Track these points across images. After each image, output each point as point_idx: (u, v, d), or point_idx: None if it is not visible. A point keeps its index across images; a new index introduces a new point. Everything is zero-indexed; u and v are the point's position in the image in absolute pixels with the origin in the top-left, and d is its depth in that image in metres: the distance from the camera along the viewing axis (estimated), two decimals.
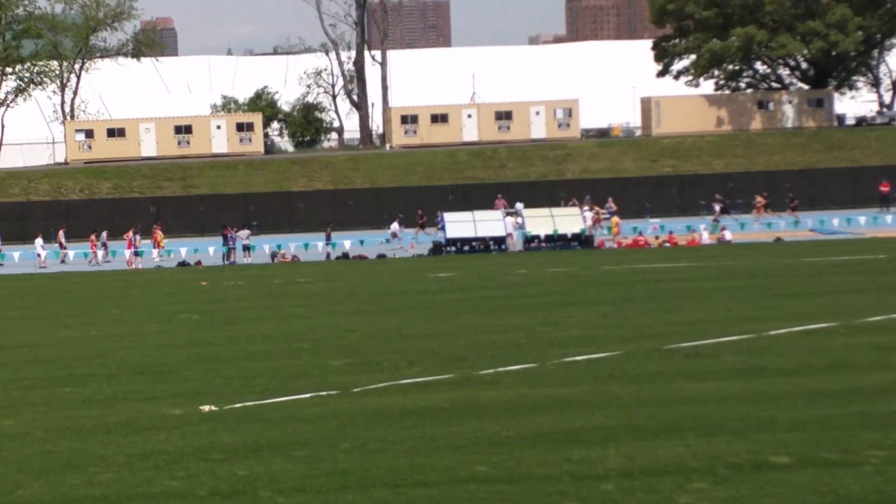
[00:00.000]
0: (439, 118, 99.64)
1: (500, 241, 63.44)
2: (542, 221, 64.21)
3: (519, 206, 73.45)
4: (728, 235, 63.77)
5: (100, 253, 66.43)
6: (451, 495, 16.23)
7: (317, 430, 20.06)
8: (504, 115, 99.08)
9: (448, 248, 63.43)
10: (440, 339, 30.37)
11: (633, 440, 18.88)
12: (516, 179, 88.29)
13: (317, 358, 27.78)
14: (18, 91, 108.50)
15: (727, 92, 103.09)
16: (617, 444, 18.59)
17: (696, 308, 35.26)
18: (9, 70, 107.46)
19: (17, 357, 29.34)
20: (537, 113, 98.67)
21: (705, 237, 63.94)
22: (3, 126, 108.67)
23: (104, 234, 68.54)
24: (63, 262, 66.33)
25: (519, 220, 66.78)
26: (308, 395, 23.09)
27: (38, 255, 65.16)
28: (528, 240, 63.68)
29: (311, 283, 49.33)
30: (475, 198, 80.00)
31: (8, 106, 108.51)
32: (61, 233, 70.12)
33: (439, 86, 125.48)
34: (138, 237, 66.53)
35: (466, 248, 63.28)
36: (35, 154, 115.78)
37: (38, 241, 66.56)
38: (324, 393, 23.29)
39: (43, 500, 16.40)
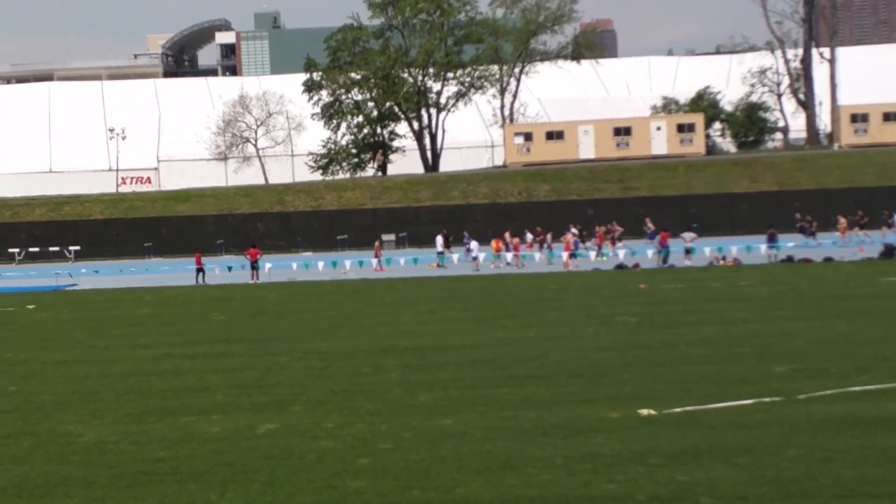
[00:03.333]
0: (892, 116, 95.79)
1: None
2: None
3: None
4: None
5: (537, 255, 67.34)
6: None
7: (759, 437, 19.12)
8: None
9: None
10: (893, 345, 28.60)
11: None
12: None
13: (759, 363, 26.71)
14: (459, 96, 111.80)
15: None
16: None
17: None
18: (450, 75, 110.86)
19: (456, 357, 29.67)
20: None
21: None
22: (443, 130, 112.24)
23: (548, 236, 69.41)
24: (506, 263, 67.45)
25: None
26: (750, 401, 22.12)
27: (475, 258, 66.58)
28: None
29: (753, 286, 47.96)
30: None
31: (448, 111, 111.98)
32: (507, 234, 71.39)
33: (892, 83, 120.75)
34: (577, 239, 66.96)
35: None
36: (474, 157, 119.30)
37: (473, 244, 68.10)
38: (766, 399, 22.27)
39: (482, 500, 16.23)
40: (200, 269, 63.53)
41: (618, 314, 38.39)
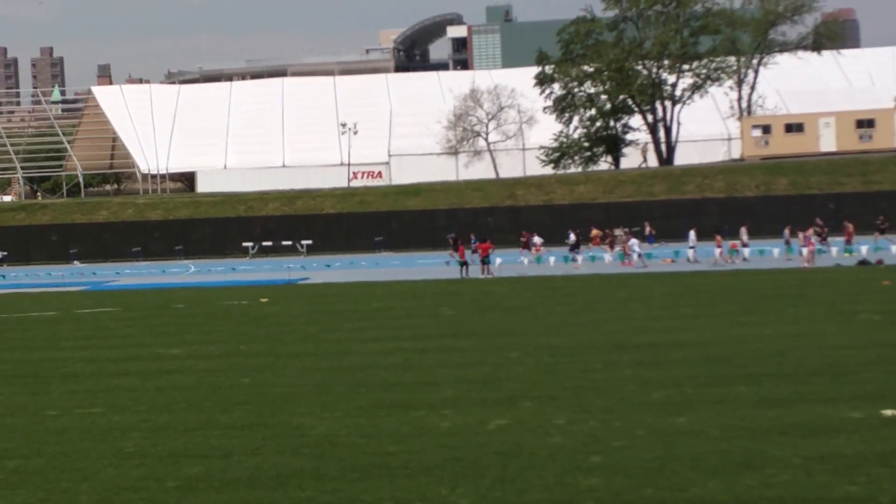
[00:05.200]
0: None
1: None
2: None
3: None
4: None
5: (745, 251, 66.03)
6: None
7: None
8: None
9: None
10: None
11: None
12: None
13: None
14: (695, 88, 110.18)
15: None
16: None
17: None
18: (685, 67, 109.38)
19: (690, 354, 29.18)
20: None
21: None
22: (678, 123, 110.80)
23: (786, 231, 67.77)
24: (743, 259, 65.88)
25: None
26: None
27: (640, 255, 65.52)
28: None
29: None
30: None
31: (684, 103, 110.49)
32: (743, 230, 69.81)
33: None
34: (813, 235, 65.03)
35: None
36: (710, 150, 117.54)
37: (633, 241, 67.22)
38: None
39: (718, 500, 15.91)
40: (464, 263, 63.95)
41: (860, 311, 37.31)
